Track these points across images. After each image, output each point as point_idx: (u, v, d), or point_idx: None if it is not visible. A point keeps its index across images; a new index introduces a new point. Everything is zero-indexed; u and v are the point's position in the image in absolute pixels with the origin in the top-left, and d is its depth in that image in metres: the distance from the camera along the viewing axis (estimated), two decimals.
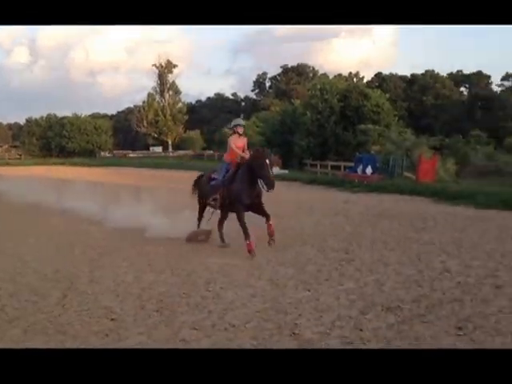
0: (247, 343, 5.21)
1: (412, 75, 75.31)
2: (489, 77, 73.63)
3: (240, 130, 10.24)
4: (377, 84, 67.02)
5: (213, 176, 10.63)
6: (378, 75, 75.17)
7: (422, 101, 70.46)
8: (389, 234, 11.83)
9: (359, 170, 28.75)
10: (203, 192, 10.86)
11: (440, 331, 5.49)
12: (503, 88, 72.19)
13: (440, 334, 5.43)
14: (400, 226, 13.01)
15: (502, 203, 17.07)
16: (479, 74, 73.33)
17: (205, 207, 10.96)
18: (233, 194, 9.72)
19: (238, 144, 10.16)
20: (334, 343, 5.19)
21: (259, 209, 9.73)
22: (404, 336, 5.38)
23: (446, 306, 6.31)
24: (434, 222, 13.79)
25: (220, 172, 10.37)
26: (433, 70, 74.73)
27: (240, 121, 10.60)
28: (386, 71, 77.19)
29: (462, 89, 76.04)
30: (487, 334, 5.40)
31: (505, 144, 40.88)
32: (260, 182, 9.52)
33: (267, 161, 9.33)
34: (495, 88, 73.35)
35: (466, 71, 75.07)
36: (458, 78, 74.78)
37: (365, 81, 68.55)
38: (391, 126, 40.41)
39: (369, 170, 28.35)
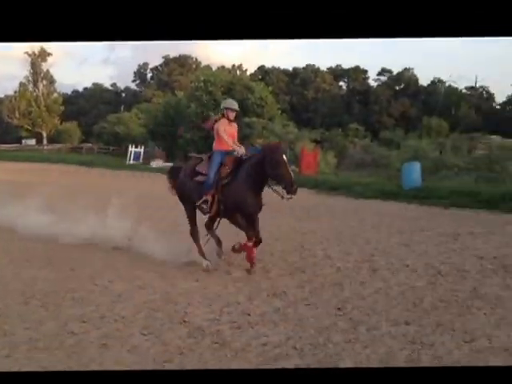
0: (138, 333, 5.24)
1: (294, 69, 77.33)
2: (366, 71, 77.32)
3: (231, 115, 7.99)
4: (260, 77, 68.15)
5: (198, 169, 8.06)
6: (261, 68, 76.46)
7: (303, 94, 72.61)
8: (273, 224, 12.16)
9: None
10: (185, 190, 8.23)
11: (322, 312, 5.85)
12: (379, 83, 76.17)
13: (322, 315, 5.78)
14: (284, 217, 13.41)
15: (378, 193, 18.19)
16: (357, 68, 76.73)
17: (195, 210, 8.28)
18: (233, 198, 7.53)
19: (228, 131, 7.96)
20: (224, 328, 5.34)
21: (254, 224, 7.73)
22: (289, 318, 5.66)
23: (327, 290, 6.70)
24: (315, 212, 14.38)
25: (211, 165, 7.84)
26: (313, 65, 77.28)
27: (233, 103, 8.18)
28: (268, 64, 78.75)
29: (341, 83, 79.23)
30: (364, 313, 5.85)
31: (380, 137, 43.13)
32: (270, 186, 7.73)
33: (285, 157, 7.37)
34: (372, 83, 77.29)
35: (345, 66, 78.35)
36: (337, 73, 77.78)
37: (248, 73, 69.52)
38: (275, 119, 41.38)
39: None
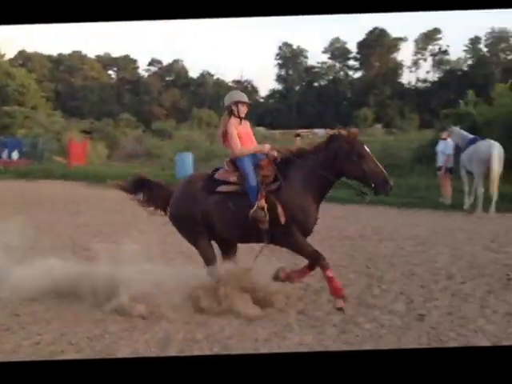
0: None
1: (59, 55, 73.85)
2: (135, 61, 77.08)
3: (243, 110, 5.99)
4: (21, 62, 63.79)
5: (219, 177, 5.93)
6: (22, 53, 71.50)
7: (70, 82, 69.84)
8: (40, 219, 11.53)
9: (4, 155, 27.35)
10: (201, 208, 5.87)
11: (97, 305, 5.65)
12: (150, 73, 76.54)
13: (97, 308, 5.61)
14: (53, 211, 12.87)
15: None
16: (127, 57, 76.04)
17: (206, 232, 6.01)
18: (289, 206, 5.60)
19: (242, 133, 5.96)
20: None
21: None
22: (63, 315, 5.47)
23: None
24: (87, 205, 14.04)
25: (244, 169, 5.78)
26: (80, 51, 74.62)
27: (242, 95, 6.13)
28: (30, 49, 73.92)
29: (111, 72, 77.91)
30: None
31: (152, 127, 43.47)
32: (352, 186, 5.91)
33: (367, 148, 5.60)
34: (142, 73, 77.39)
35: (114, 54, 77.11)
36: (105, 61, 76.21)
37: (7, 58, 64.51)
38: (38, 107, 39.21)
39: (15, 155, 27.23)
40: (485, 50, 70.17)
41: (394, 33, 74.16)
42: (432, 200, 13.82)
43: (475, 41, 70.73)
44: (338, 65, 77.36)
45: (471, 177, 12.43)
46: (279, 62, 77.56)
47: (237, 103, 5.93)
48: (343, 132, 5.61)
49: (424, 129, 38.16)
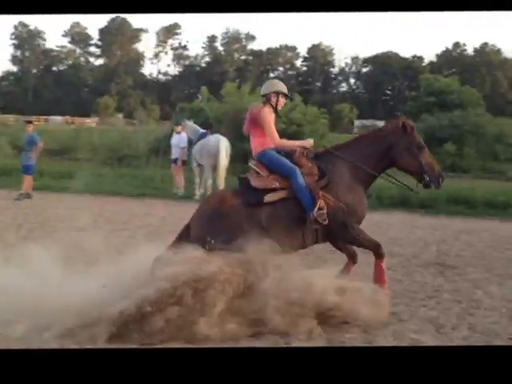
0: None
1: None
2: None
3: (282, 101, 5.68)
4: None
5: (258, 185, 5.27)
6: None
7: None
8: None
9: None
10: (246, 228, 5.09)
11: None
12: None
13: None
14: None
15: None
16: None
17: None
18: (347, 204, 5.24)
19: (273, 125, 5.55)
20: None
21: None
22: None
23: None
24: None
25: (285, 169, 5.33)
26: None
27: (284, 86, 5.74)
28: None
29: None
30: None
31: None
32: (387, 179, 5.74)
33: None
34: None
35: None
36: None
37: None
38: None
39: None
40: (221, 49, 74.58)
41: (135, 23, 74.68)
42: (166, 191, 14.36)
43: (212, 39, 74.74)
44: (78, 50, 75.14)
45: (202, 169, 13.19)
46: (14, 42, 72.52)
47: (278, 93, 5.63)
48: (402, 123, 5.42)
49: (164, 120, 39.10)
